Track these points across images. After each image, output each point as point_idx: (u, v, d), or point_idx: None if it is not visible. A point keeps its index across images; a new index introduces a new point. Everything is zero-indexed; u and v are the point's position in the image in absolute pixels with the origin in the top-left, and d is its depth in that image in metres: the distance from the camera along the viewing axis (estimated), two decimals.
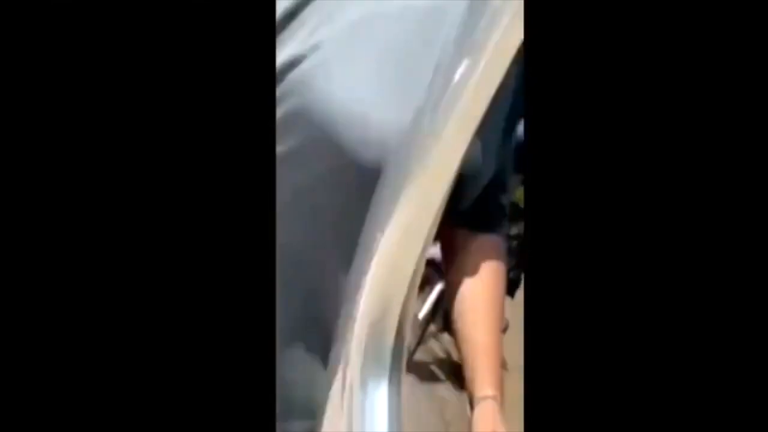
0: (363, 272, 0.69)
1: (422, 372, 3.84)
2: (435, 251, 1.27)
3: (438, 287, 3.69)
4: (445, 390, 3.72)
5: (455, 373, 3.78)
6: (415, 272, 0.68)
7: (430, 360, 3.97)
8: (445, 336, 3.92)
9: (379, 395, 0.71)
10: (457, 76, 0.61)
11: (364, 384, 0.71)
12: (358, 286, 0.69)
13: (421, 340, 3.93)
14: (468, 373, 1.23)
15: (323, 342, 1.00)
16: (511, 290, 3.62)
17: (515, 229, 3.57)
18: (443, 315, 3.73)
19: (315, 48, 1.10)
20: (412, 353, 3.75)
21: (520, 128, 1.17)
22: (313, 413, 0.86)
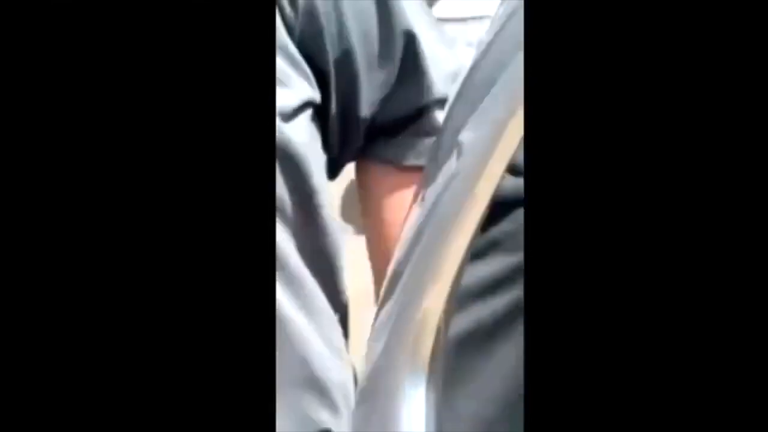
0: (402, 274, 0.70)
1: None
2: None
3: None
4: None
5: None
6: (456, 274, 0.68)
7: None
8: None
9: (417, 398, 0.71)
10: None
11: (401, 386, 0.71)
12: (396, 288, 0.70)
13: None
14: None
15: None
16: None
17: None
18: None
19: None
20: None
21: None
22: None
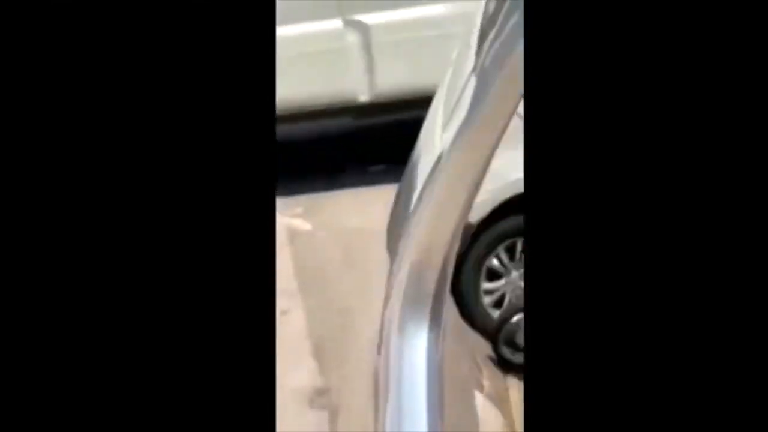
0: (408, 214, 0.68)
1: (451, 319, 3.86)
2: None
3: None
4: (474, 335, 3.75)
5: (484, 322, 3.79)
6: (460, 217, 0.67)
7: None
8: None
9: (419, 340, 0.71)
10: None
11: (402, 328, 0.71)
12: (402, 228, 0.69)
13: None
14: None
15: None
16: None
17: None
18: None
19: None
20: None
21: None
22: None
